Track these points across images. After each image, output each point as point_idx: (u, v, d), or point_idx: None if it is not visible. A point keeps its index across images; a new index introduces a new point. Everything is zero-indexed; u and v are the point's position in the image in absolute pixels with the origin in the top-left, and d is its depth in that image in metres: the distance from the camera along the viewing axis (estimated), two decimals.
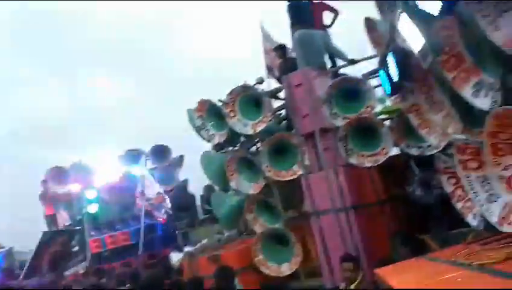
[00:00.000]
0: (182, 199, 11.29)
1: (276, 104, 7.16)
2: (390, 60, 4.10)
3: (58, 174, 13.48)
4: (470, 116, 3.40)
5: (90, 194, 12.90)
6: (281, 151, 6.45)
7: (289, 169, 6.29)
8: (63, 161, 13.96)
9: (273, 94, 7.03)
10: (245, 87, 6.51)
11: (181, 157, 12.80)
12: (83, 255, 12.05)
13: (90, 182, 13.19)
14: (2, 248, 14.59)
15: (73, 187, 13.36)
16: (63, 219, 13.64)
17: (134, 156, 12.77)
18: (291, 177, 6.25)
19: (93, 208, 12.85)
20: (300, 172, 6.06)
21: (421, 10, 2.83)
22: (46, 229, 13.64)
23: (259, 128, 6.39)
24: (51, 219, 13.87)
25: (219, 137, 7.05)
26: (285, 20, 6.92)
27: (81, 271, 10.94)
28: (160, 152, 12.73)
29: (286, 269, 5.98)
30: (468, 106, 3.10)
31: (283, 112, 7.29)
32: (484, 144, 2.63)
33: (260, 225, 6.55)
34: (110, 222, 12.65)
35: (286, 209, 6.71)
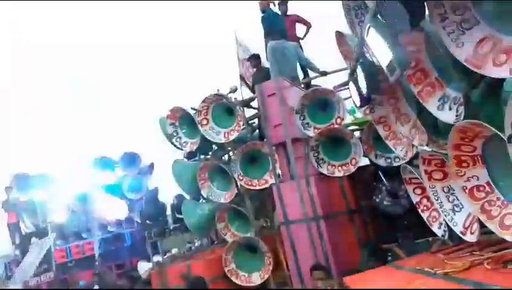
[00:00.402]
0: (152, 208, 11.07)
1: (249, 113, 7.19)
2: (360, 73, 4.19)
3: (23, 181, 13.02)
4: (435, 128, 3.52)
5: (56, 202, 12.51)
6: (253, 160, 6.47)
7: (261, 178, 6.32)
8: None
9: (246, 103, 7.05)
10: (218, 96, 6.50)
11: (151, 165, 12.58)
12: (48, 265, 11.59)
13: (55, 189, 12.79)
14: None
15: (37, 195, 12.91)
16: (27, 227, 13.12)
17: (104, 163, 12.49)
18: (263, 187, 6.27)
19: (58, 217, 12.44)
20: (271, 181, 6.08)
21: (388, 25, 2.93)
22: (8, 237, 13.12)
23: (231, 137, 6.39)
24: (14, 227, 13.33)
25: (191, 145, 7.00)
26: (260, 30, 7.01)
27: (45, 281, 10.50)
28: (130, 160, 12.47)
29: (257, 278, 5.97)
30: (433, 118, 3.21)
31: (256, 121, 7.33)
32: (448, 156, 2.73)
33: (231, 234, 6.51)
34: (76, 231, 12.26)
35: (257, 218, 6.71)
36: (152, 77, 22.75)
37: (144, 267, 7.48)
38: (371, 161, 5.62)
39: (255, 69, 7.38)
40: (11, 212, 13.00)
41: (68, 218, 12.56)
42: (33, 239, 12.27)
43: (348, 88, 5.01)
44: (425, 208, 3.69)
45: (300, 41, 7.48)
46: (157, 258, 7.70)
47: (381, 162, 5.36)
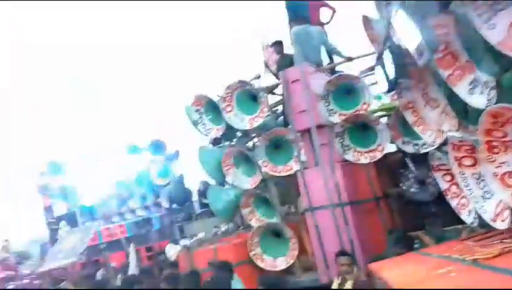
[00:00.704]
0: (179, 193, 11.32)
1: (274, 99, 7.18)
2: (387, 58, 4.12)
3: (54, 166, 13.66)
4: (465, 113, 3.43)
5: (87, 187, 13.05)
6: (277, 147, 6.49)
7: (285, 164, 6.33)
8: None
9: (270, 90, 7.04)
10: (242, 83, 6.51)
11: (176, 152, 12.87)
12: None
13: (87, 175, 13.34)
14: None
15: (69, 180, 13.51)
16: (60, 211, 13.73)
17: (134, 150, 12.88)
18: (287, 173, 6.28)
19: (88, 201, 12.96)
20: (296, 168, 6.09)
21: (417, 8, 2.85)
22: (44, 220, 13.83)
23: (255, 124, 6.41)
24: (48, 210, 14.02)
25: (216, 131, 7.07)
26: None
27: (78, 263, 10.96)
28: (157, 146, 12.78)
29: (281, 263, 6.03)
30: (463, 103, 3.13)
31: (280, 107, 7.31)
32: (479, 142, 2.66)
33: (256, 219, 6.59)
34: (107, 215, 12.70)
35: (282, 204, 6.75)
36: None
37: (171, 250, 7.67)
38: (398, 147, 5.54)
39: (278, 56, 7.34)
40: (45, 195, 13.66)
41: (99, 202, 13.04)
42: (62, 223, 12.80)
43: (374, 73, 4.94)
44: (454, 195, 3.63)
45: (324, 26, 7.37)
46: (184, 241, 7.89)
47: (409, 148, 5.26)
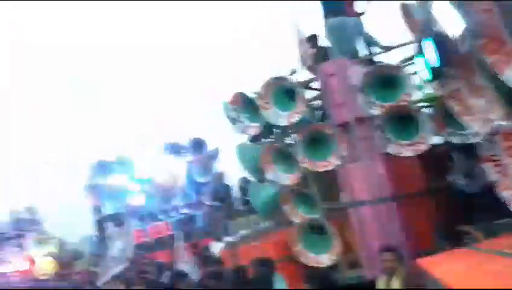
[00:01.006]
0: (219, 191, 11.51)
1: (311, 94, 7.10)
2: (429, 46, 3.97)
3: (103, 166, 14.31)
4: None
5: (133, 187, 13.54)
6: (316, 142, 6.42)
7: (325, 160, 6.26)
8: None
9: (307, 84, 6.98)
10: (278, 79, 6.49)
11: (216, 150, 13.03)
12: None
13: (133, 174, 13.88)
14: (53, 237, 15.38)
15: (118, 179, 14.07)
16: (108, 210, 14.33)
17: (174, 148, 13.21)
18: (327, 168, 6.21)
19: (135, 200, 13.45)
20: (336, 162, 6.00)
21: None
22: (91, 219, 14.54)
23: (293, 120, 6.36)
24: (95, 209, 14.69)
25: (254, 129, 7.09)
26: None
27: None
28: (197, 145, 13.01)
29: (325, 259, 5.97)
30: (511, 90, 2.97)
31: (318, 102, 7.23)
32: None
33: (298, 216, 6.56)
34: (153, 213, 13.13)
35: (324, 200, 6.69)
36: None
37: (215, 247, 7.83)
38: (443, 138, 5.32)
39: (314, 50, 7.24)
40: (91, 194, 14.34)
41: (145, 201, 13.51)
42: (108, 224, 13.34)
43: (414, 62, 4.78)
44: (505, 187, 3.45)
45: (360, 16, 7.19)
46: (227, 238, 8.02)
47: (455, 139, 5.04)
